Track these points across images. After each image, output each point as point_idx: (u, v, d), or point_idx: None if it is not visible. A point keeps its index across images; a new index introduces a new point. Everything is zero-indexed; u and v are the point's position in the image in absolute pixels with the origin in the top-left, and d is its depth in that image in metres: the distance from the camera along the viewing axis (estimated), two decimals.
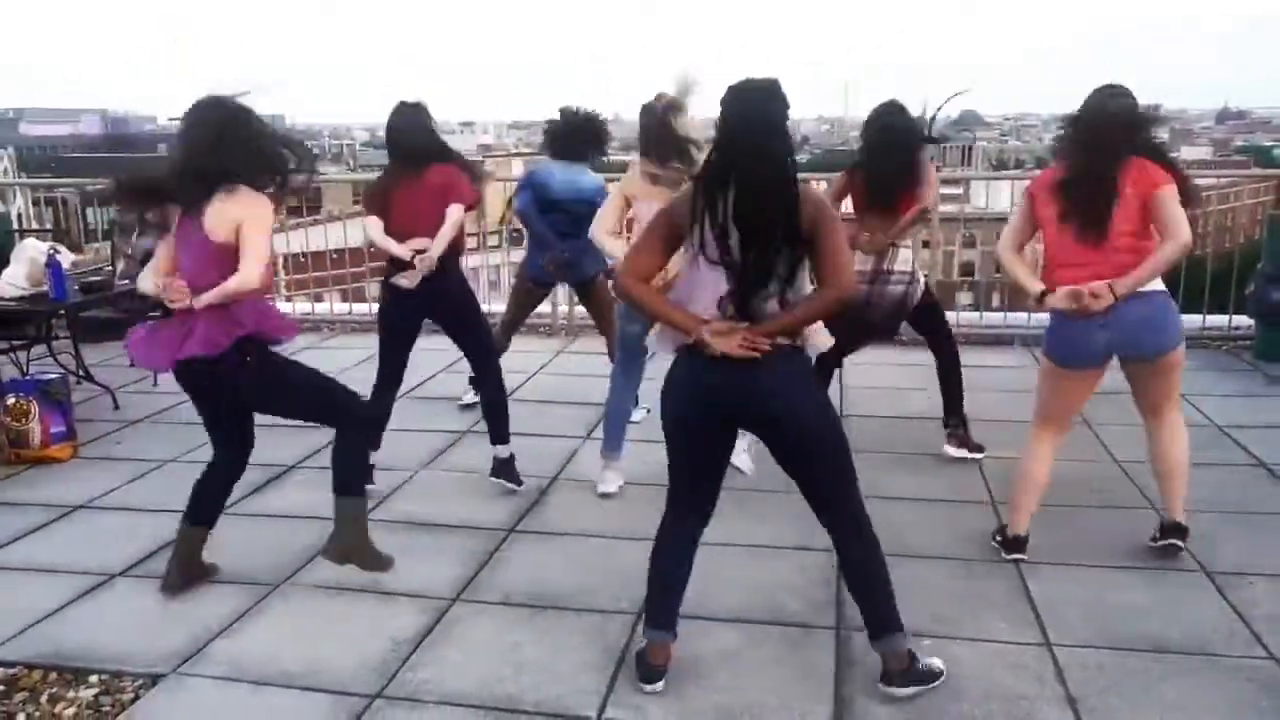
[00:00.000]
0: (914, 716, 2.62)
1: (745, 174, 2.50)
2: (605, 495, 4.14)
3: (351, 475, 3.35)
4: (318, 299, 9.04)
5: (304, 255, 9.89)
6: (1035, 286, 3.31)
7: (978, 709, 2.64)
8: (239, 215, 3.03)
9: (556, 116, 4.89)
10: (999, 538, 3.56)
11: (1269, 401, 5.34)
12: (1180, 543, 3.43)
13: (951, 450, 4.51)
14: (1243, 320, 6.45)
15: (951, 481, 4.26)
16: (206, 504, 3.39)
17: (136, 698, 2.77)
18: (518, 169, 14.12)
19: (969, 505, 4.00)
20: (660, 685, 2.73)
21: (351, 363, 6.35)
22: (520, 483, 4.19)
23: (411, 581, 3.38)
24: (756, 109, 2.53)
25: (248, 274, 3.02)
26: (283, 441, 4.89)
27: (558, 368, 6.34)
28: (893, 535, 3.69)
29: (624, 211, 3.97)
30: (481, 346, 4.20)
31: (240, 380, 3.13)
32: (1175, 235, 3.11)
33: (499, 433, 4.18)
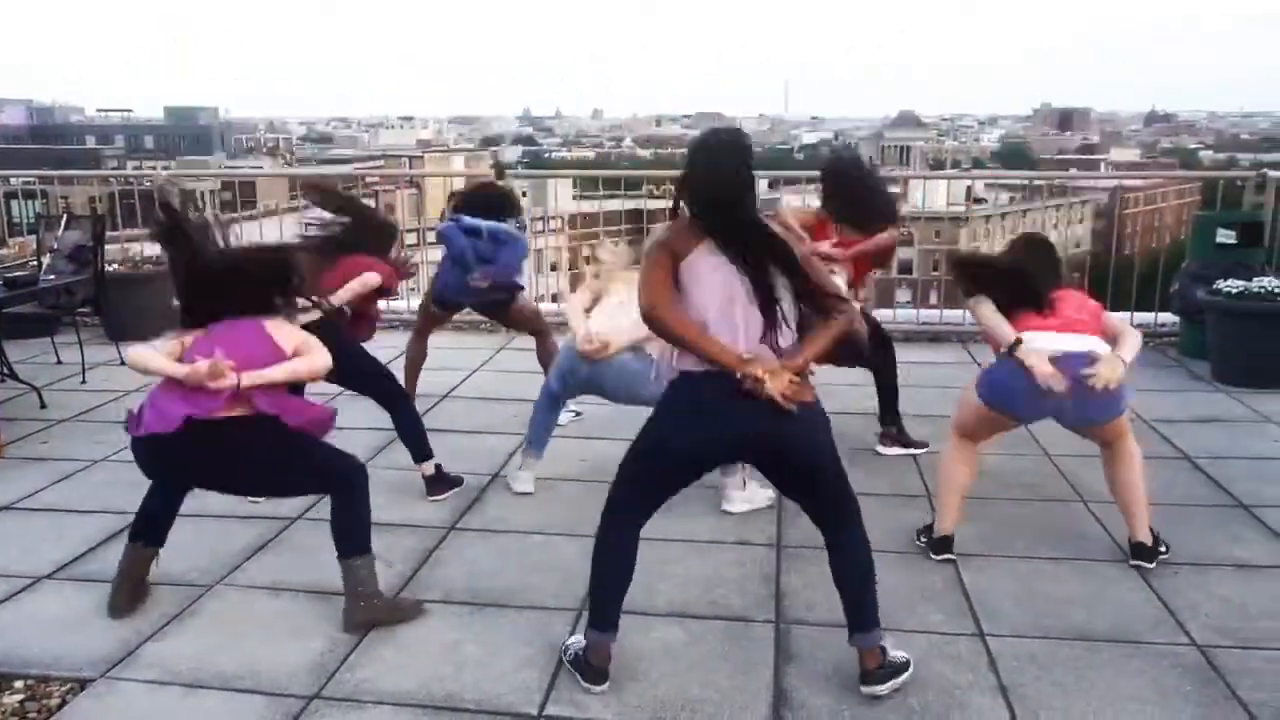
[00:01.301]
0: (853, 709, 2.65)
1: (728, 226, 2.57)
2: (522, 494, 4.15)
3: (354, 530, 3.09)
4: None
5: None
6: (1009, 334, 3.38)
7: (913, 699, 2.68)
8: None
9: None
10: (923, 538, 3.61)
11: (1193, 397, 5.50)
12: (1148, 564, 3.42)
13: (884, 450, 4.60)
14: (1169, 318, 6.64)
15: (889, 477, 4.33)
16: (156, 524, 3.22)
17: (64, 703, 2.70)
18: (458, 164, 14.03)
19: (906, 500, 4.07)
20: (605, 686, 2.73)
21: None
22: (460, 481, 4.16)
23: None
24: (729, 169, 2.60)
25: (321, 360, 3.09)
26: None
27: (498, 364, 6.31)
28: None
29: None
30: (383, 391, 4.16)
31: (254, 451, 2.98)
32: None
33: (421, 451, 4.13)
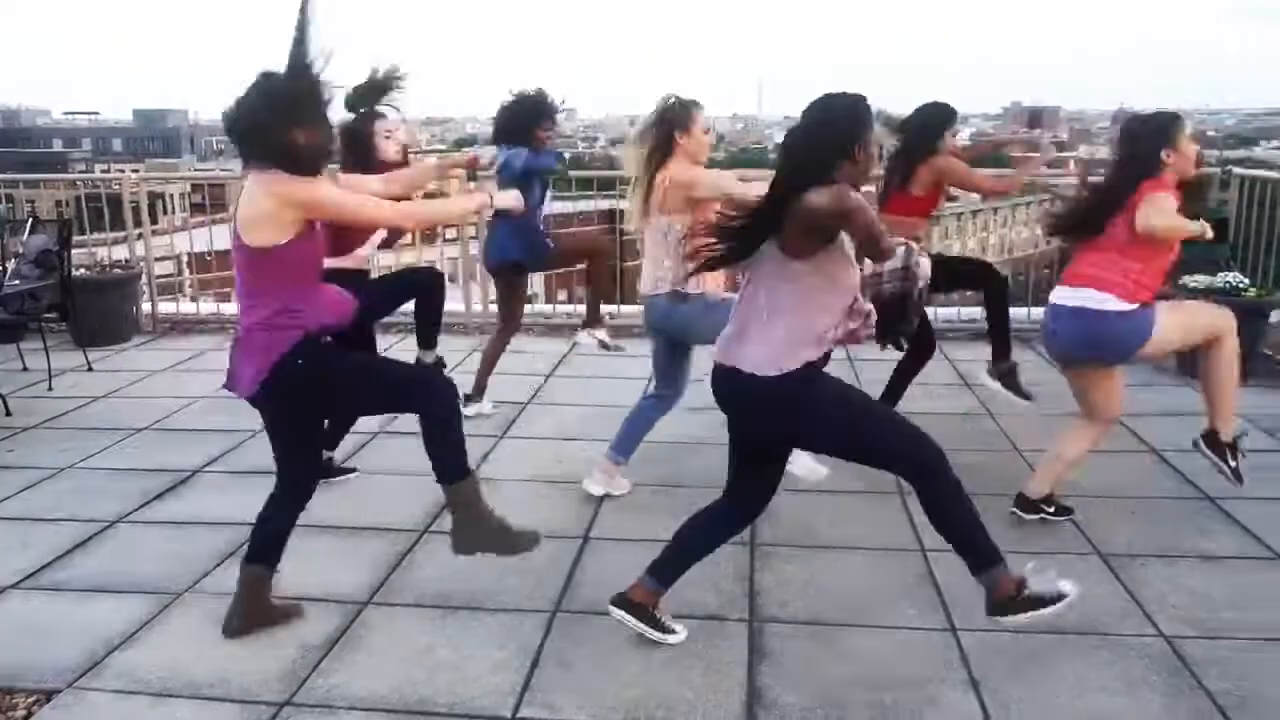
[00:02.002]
0: (824, 701, 2.67)
1: None
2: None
3: (447, 459, 2.95)
4: (224, 299, 8.80)
5: (209, 254, 9.63)
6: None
7: (886, 695, 2.70)
8: None
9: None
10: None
11: (1160, 391, 5.56)
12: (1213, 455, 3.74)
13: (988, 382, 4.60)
14: None
15: (861, 471, 4.33)
16: (272, 542, 3.07)
17: (29, 715, 2.66)
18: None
19: (878, 495, 4.09)
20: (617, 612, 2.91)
21: None
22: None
23: (322, 586, 3.32)
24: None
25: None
26: (187, 445, 4.77)
27: (472, 366, 6.27)
28: (805, 528, 3.78)
29: None
30: (419, 282, 4.46)
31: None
32: None
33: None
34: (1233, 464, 3.68)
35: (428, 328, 4.51)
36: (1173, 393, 5.51)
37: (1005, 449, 4.62)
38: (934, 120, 4.46)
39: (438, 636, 3.03)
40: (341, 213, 2.88)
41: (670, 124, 3.73)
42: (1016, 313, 5.44)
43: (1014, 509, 3.76)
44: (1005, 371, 4.58)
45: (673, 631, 2.95)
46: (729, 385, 2.74)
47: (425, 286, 4.45)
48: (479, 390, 5.17)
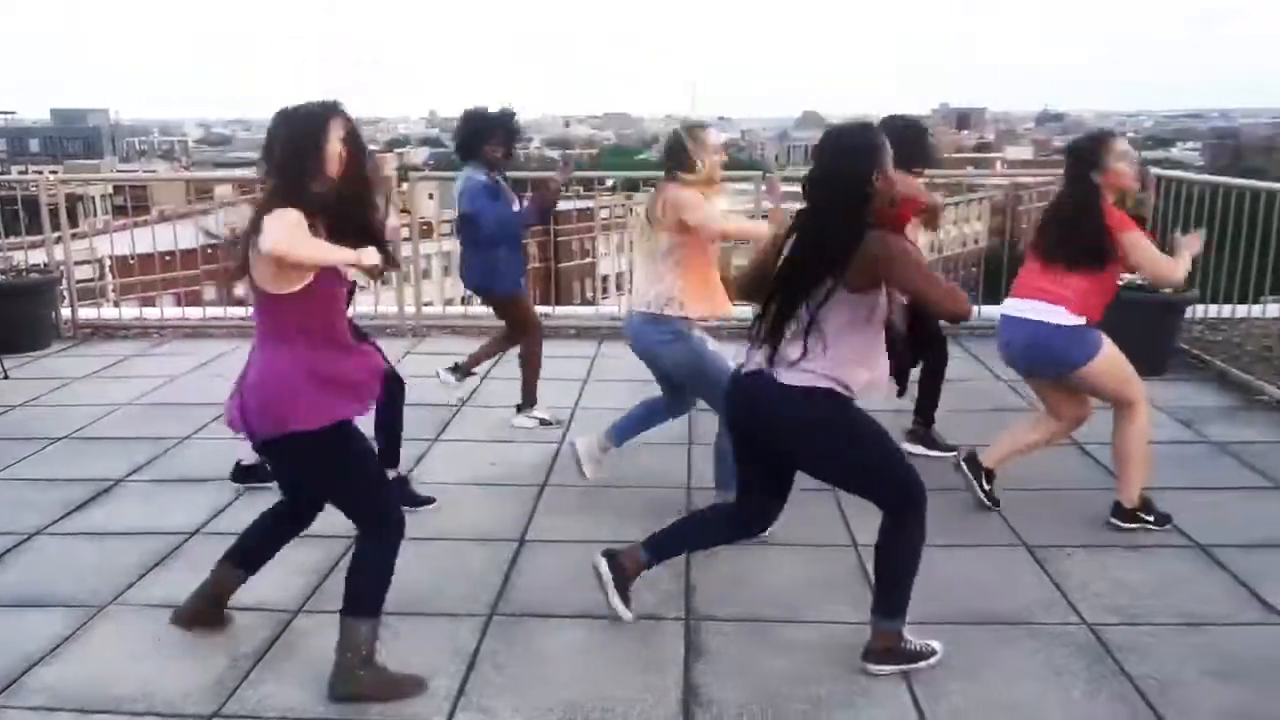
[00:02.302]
0: (760, 697, 2.69)
1: None
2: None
3: (364, 591, 2.75)
4: (148, 303, 8.59)
5: (132, 257, 9.40)
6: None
7: (820, 688, 2.73)
8: None
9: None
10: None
11: None
12: (1121, 523, 3.74)
13: (910, 447, 4.49)
14: None
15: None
16: (257, 549, 2.98)
17: None
18: None
19: (811, 493, 4.11)
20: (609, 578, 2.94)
21: (184, 369, 6.07)
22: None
23: (252, 595, 3.23)
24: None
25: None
26: (110, 454, 4.65)
27: (406, 369, 6.20)
28: None
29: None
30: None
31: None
32: None
33: None
34: (1150, 518, 3.77)
35: (391, 443, 4.02)
36: None
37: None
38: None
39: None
40: None
41: (681, 153, 3.71)
42: None
43: (961, 463, 3.97)
44: (924, 435, 4.66)
45: (624, 605, 2.96)
46: (759, 391, 2.76)
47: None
48: (531, 400, 5.10)
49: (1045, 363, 3.76)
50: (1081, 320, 3.63)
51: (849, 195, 2.62)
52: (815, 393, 2.68)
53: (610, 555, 2.99)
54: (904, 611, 2.80)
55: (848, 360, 2.68)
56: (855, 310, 2.66)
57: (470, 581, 3.36)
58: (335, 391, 2.62)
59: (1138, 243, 3.64)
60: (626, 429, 4.05)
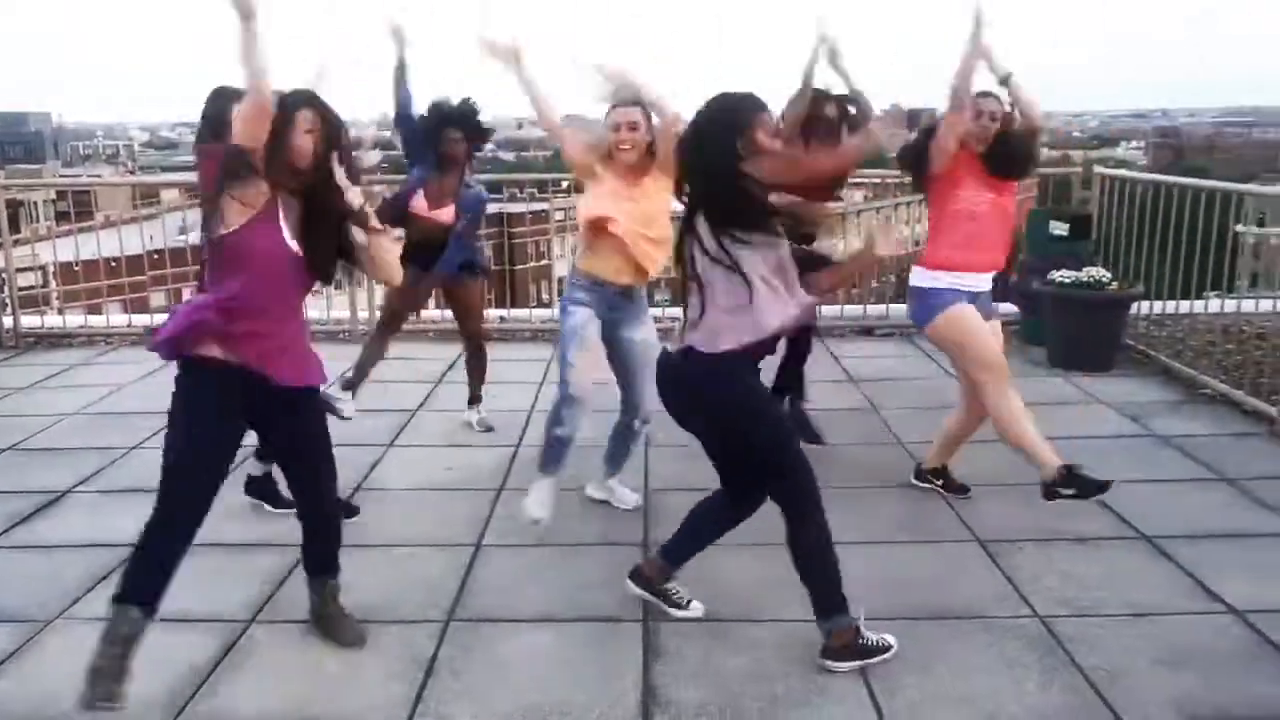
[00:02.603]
0: (718, 696, 2.70)
1: None
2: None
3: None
4: (94, 310, 8.43)
5: (76, 264, 9.22)
6: None
7: (778, 686, 2.75)
8: None
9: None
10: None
11: (1032, 382, 5.77)
12: (917, 481, 4.08)
13: None
14: (1009, 308, 6.98)
15: None
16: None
17: None
18: None
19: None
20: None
21: (131, 378, 5.96)
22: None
23: (206, 605, 3.20)
24: None
25: None
26: (56, 465, 4.55)
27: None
28: None
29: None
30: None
31: None
32: None
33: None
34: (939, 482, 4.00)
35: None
36: (1043, 384, 5.76)
37: (890, 442, 4.76)
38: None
39: (328, 651, 2.96)
40: None
41: None
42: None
43: (912, 479, 4.13)
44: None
45: (682, 606, 3.04)
46: (680, 367, 2.82)
47: None
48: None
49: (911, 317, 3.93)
50: (931, 276, 3.73)
51: (716, 150, 2.68)
52: (710, 353, 2.73)
53: (634, 574, 3.08)
54: (843, 606, 2.83)
55: (733, 322, 2.71)
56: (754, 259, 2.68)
57: (427, 587, 3.33)
58: None
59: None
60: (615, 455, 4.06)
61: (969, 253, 3.71)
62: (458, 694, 2.74)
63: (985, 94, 3.71)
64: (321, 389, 2.95)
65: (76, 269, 9.23)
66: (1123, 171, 7.11)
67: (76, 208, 9.21)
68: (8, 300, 7.05)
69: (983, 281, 3.79)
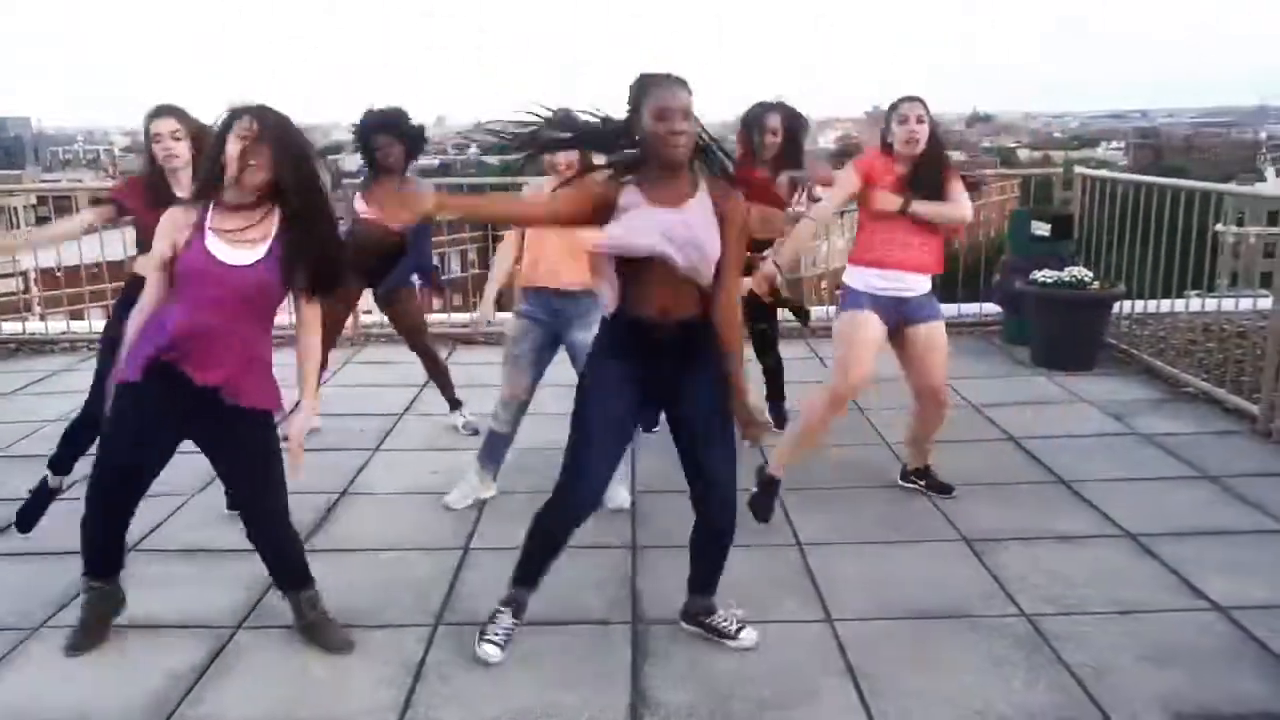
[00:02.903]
0: (708, 698, 2.71)
1: None
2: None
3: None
4: (76, 316, 8.36)
5: (59, 269, 9.15)
6: None
7: (767, 688, 2.76)
8: None
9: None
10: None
11: (1016, 381, 5.84)
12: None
13: None
14: (992, 308, 7.02)
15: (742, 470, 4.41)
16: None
17: None
18: None
19: (745, 493, 4.16)
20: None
21: None
22: None
23: (191, 612, 3.19)
24: None
25: None
26: (38, 472, 4.51)
27: (345, 378, 6.14)
28: (684, 527, 3.81)
29: None
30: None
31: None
32: None
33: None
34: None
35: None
36: (1026, 383, 5.79)
37: (876, 443, 4.77)
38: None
39: (315, 657, 2.95)
40: None
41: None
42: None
43: (899, 480, 4.18)
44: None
45: (731, 635, 2.98)
46: None
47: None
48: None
49: None
50: (854, 273, 3.82)
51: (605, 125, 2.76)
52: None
53: (685, 617, 3.05)
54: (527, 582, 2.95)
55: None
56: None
57: (415, 591, 3.32)
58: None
59: None
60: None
61: (891, 249, 3.73)
62: (447, 698, 2.73)
63: (911, 99, 3.76)
64: (276, 416, 2.91)
65: (58, 275, 9.16)
66: (1103, 172, 7.15)
67: (57, 213, 9.14)
68: None
69: (910, 283, 3.76)
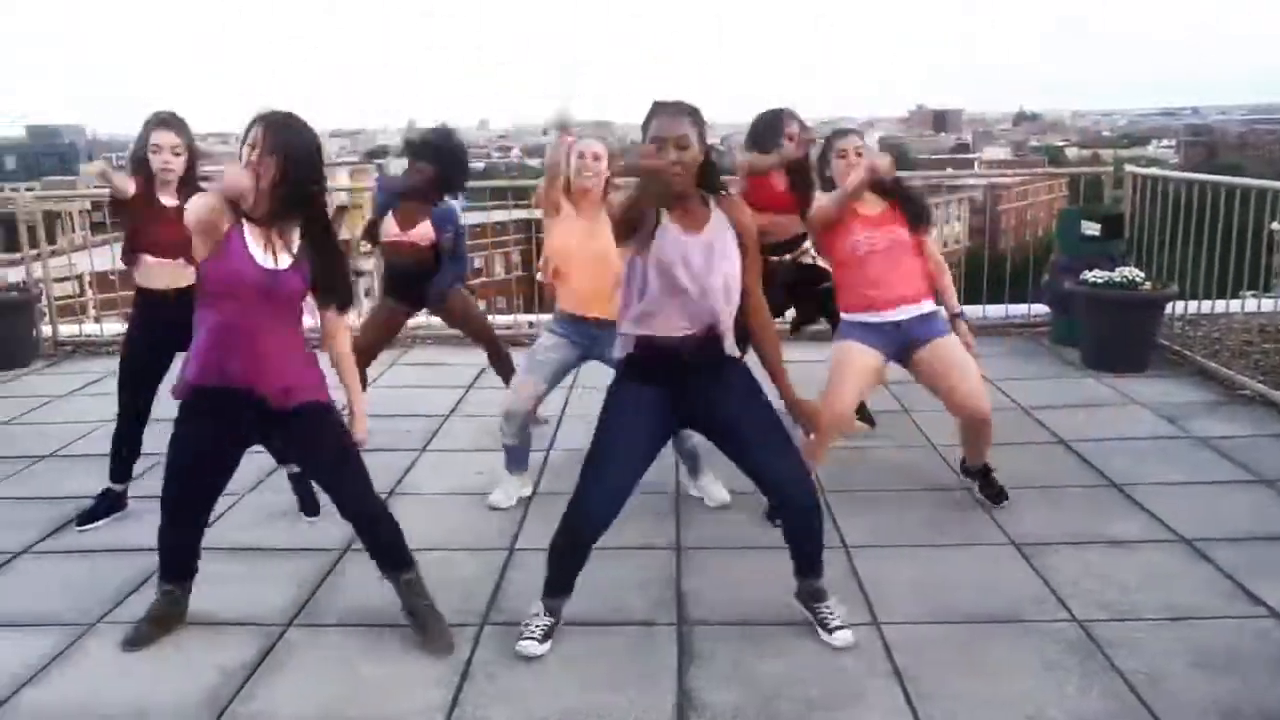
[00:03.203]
0: (756, 702, 2.70)
1: None
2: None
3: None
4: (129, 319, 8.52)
5: (112, 274, 9.33)
6: None
7: (813, 689, 2.74)
8: None
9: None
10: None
11: (1066, 383, 5.76)
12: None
13: None
14: (1041, 308, 6.93)
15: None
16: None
17: None
18: (342, 178, 13.69)
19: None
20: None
21: (166, 384, 6.02)
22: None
23: (243, 610, 3.24)
24: None
25: None
26: (93, 472, 4.61)
27: (393, 379, 6.21)
28: (728, 529, 3.82)
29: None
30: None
31: None
32: None
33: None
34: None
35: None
36: (1077, 385, 5.71)
37: (921, 444, 4.73)
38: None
39: (364, 655, 2.98)
40: None
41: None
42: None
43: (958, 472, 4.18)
44: None
45: (828, 629, 2.98)
46: None
47: None
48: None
49: None
50: (846, 317, 3.80)
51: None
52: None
53: (797, 596, 3.07)
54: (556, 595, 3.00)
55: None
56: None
57: (462, 591, 3.35)
58: None
59: None
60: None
61: (870, 290, 3.69)
62: (494, 698, 2.75)
63: (844, 132, 3.85)
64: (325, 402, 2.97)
65: (112, 278, 9.34)
66: (1154, 170, 7.03)
67: (111, 218, 9.32)
68: (46, 310, 7.16)
69: (898, 313, 3.68)
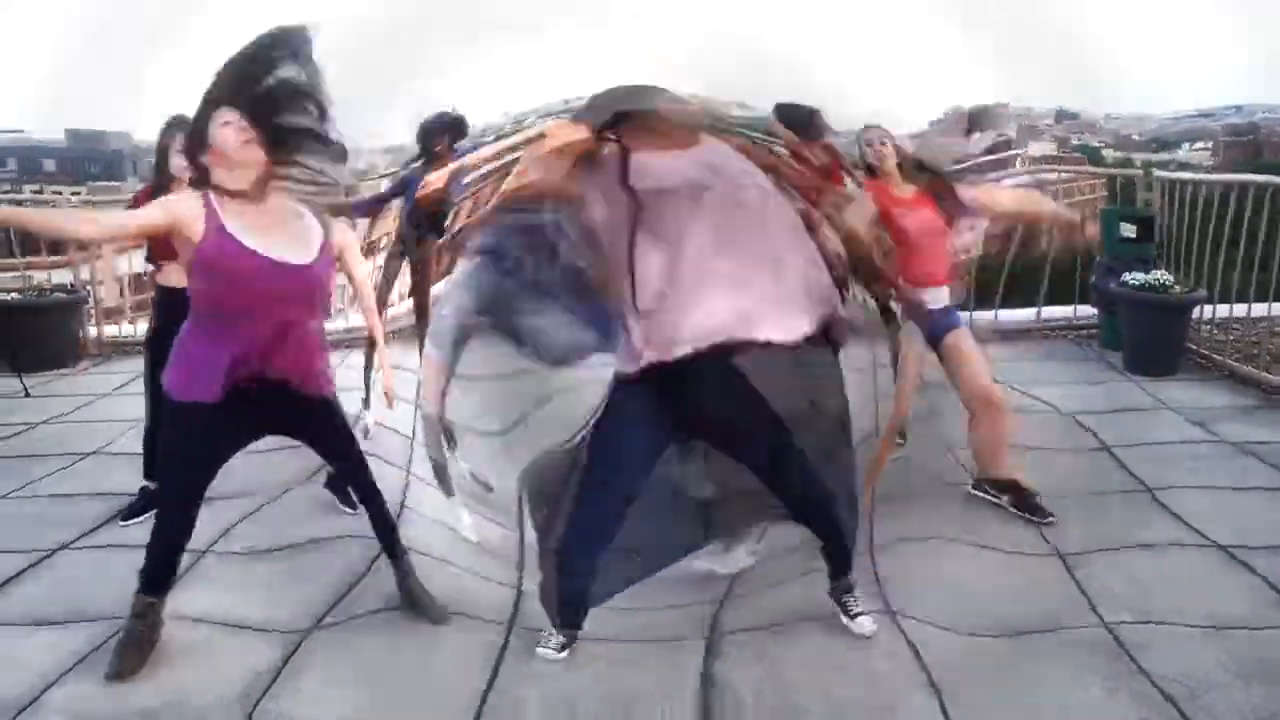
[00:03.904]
0: (784, 692, 2.71)
1: None
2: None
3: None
4: None
5: (146, 274, 9.41)
6: None
7: (846, 692, 2.73)
8: None
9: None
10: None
11: (1112, 387, 5.65)
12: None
13: None
14: (1087, 310, 6.83)
15: None
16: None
17: None
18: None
19: None
20: None
21: None
22: None
23: (268, 612, 3.23)
24: None
25: None
26: (136, 469, 4.66)
27: (417, 366, 6.18)
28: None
29: None
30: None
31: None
32: None
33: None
34: None
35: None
36: (1116, 389, 5.61)
37: (953, 448, 4.67)
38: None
39: (395, 652, 3.00)
40: None
41: None
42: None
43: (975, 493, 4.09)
44: None
45: (851, 617, 3.02)
46: None
47: None
48: None
49: None
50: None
51: None
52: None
53: (829, 593, 3.08)
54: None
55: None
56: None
57: (487, 591, 3.38)
58: None
59: None
60: None
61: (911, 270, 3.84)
62: (523, 696, 2.77)
63: (870, 127, 3.91)
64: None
65: (145, 278, 9.42)
66: (1186, 174, 6.89)
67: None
68: (92, 310, 7.29)
69: (934, 297, 3.86)
